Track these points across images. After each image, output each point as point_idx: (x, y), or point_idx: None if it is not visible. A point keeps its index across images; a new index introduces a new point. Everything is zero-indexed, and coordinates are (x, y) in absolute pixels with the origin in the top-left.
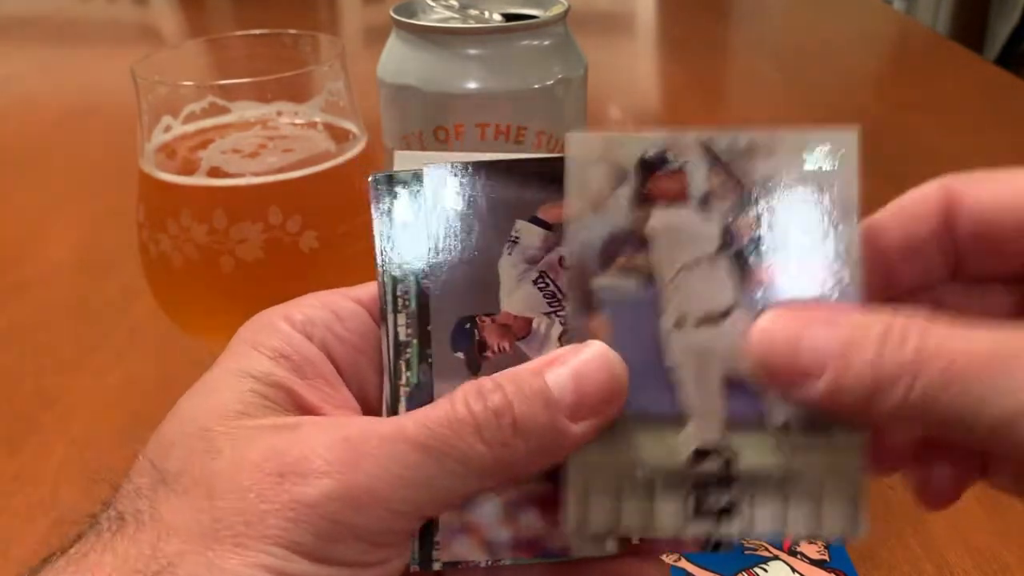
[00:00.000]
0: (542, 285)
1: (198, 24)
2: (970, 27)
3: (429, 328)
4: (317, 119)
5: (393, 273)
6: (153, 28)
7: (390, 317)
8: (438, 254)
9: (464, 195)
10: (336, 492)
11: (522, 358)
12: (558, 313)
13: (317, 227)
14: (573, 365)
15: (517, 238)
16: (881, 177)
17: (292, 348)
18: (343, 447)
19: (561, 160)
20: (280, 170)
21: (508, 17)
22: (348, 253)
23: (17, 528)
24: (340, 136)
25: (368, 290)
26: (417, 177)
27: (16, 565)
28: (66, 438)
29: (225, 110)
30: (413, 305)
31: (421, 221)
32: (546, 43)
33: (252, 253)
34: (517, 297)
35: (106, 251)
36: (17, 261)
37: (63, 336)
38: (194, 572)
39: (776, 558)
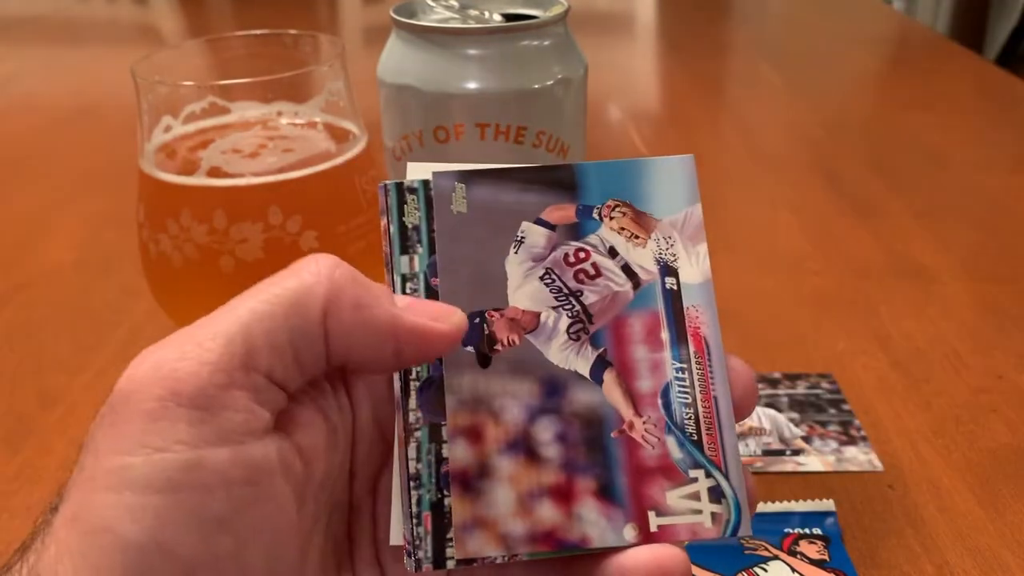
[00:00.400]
0: (548, 281)
1: (198, 24)
2: (970, 27)
3: None
4: (317, 119)
5: (402, 271)
6: (153, 28)
7: None
8: (446, 254)
9: (470, 199)
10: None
11: (531, 351)
12: (564, 307)
13: (317, 227)
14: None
15: (523, 238)
16: (881, 177)
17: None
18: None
19: (562, 168)
20: (280, 170)
21: (508, 17)
22: (348, 253)
23: (17, 528)
24: (340, 136)
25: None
26: (426, 184)
27: None
28: (66, 438)
29: (225, 110)
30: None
31: (429, 224)
32: (546, 43)
33: (252, 253)
34: (524, 292)
35: (106, 251)
36: (17, 261)
37: (63, 336)
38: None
39: (776, 558)
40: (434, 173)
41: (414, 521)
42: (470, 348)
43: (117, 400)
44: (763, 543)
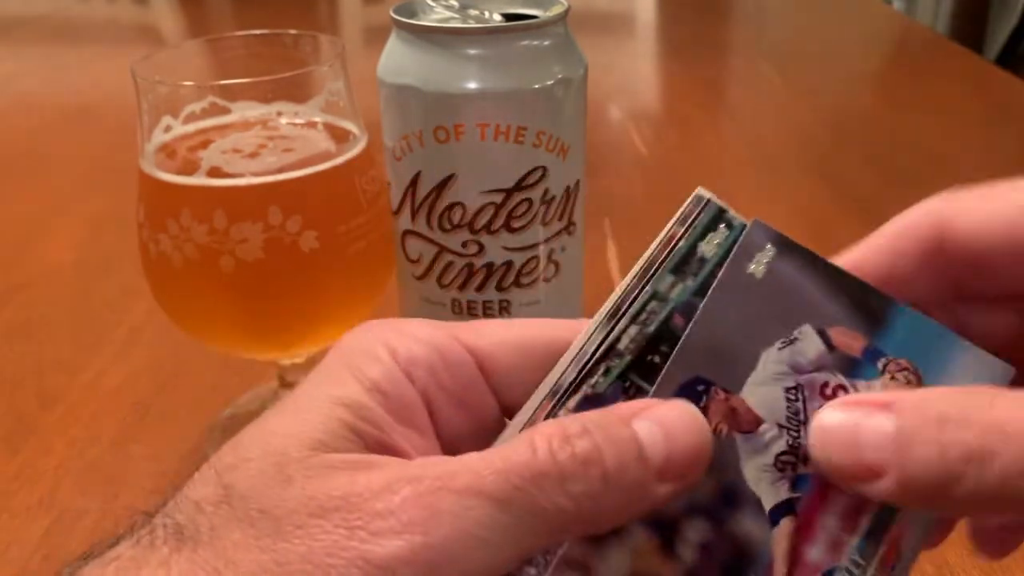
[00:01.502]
0: (791, 397)
1: (198, 24)
2: (970, 27)
3: (653, 359)
4: (317, 119)
5: (659, 288)
6: (153, 28)
7: (623, 321)
8: (714, 305)
9: (771, 268)
10: (408, 554)
11: (730, 451)
12: (791, 431)
13: (317, 227)
14: (664, 420)
15: (796, 339)
16: (881, 177)
17: (391, 386)
18: (417, 504)
19: (880, 298)
20: (280, 170)
21: (508, 17)
22: (348, 253)
23: (17, 528)
24: (340, 136)
25: (478, 334)
26: (741, 225)
27: (16, 565)
28: (66, 438)
29: (225, 110)
30: (652, 328)
31: (717, 265)
32: (546, 43)
33: (252, 253)
34: (761, 392)
35: (106, 251)
36: (17, 261)
37: (63, 336)
38: None
39: None
40: (755, 222)
41: None
42: None
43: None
44: None
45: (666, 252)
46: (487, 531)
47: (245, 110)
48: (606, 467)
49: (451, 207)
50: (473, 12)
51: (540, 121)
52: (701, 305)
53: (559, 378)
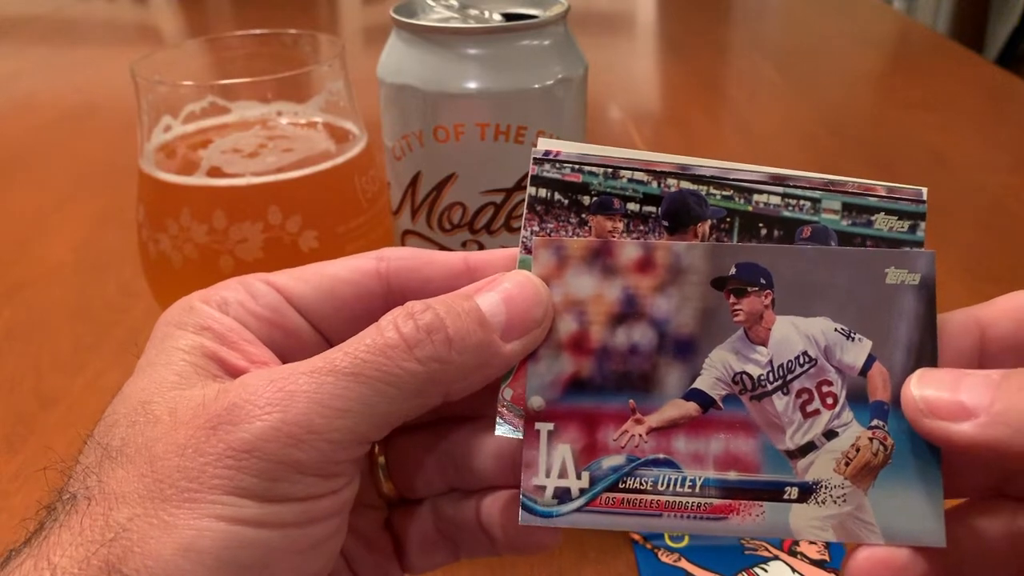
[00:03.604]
0: (801, 361)
1: (198, 24)
2: (970, 27)
3: (759, 226)
4: (317, 119)
5: (824, 198)
6: (153, 28)
7: (777, 187)
8: (840, 256)
9: (899, 287)
10: (270, 432)
11: (721, 330)
12: (772, 373)
13: (317, 227)
14: (502, 289)
15: (851, 339)
16: (881, 177)
17: (213, 321)
18: (271, 388)
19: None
20: (280, 170)
21: (508, 17)
22: (348, 252)
23: (17, 528)
24: (340, 136)
25: (278, 274)
26: (919, 239)
27: None
28: (66, 438)
29: (225, 110)
30: (785, 214)
31: (871, 235)
32: (546, 43)
33: (252, 253)
34: (788, 334)
35: (106, 251)
36: (17, 261)
37: (63, 336)
38: (147, 533)
39: (776, 558)
40: (931, 254)
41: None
42: None
43: (217, 411)
44: (763, 543)
45: (856, 190)
46: (342, 401)
47: (245, 110)
48: (448, 332)
49: (451, 207)
50: (473, 12)
51: (540, 121)
52: (833, 246)
53: (697, 164)
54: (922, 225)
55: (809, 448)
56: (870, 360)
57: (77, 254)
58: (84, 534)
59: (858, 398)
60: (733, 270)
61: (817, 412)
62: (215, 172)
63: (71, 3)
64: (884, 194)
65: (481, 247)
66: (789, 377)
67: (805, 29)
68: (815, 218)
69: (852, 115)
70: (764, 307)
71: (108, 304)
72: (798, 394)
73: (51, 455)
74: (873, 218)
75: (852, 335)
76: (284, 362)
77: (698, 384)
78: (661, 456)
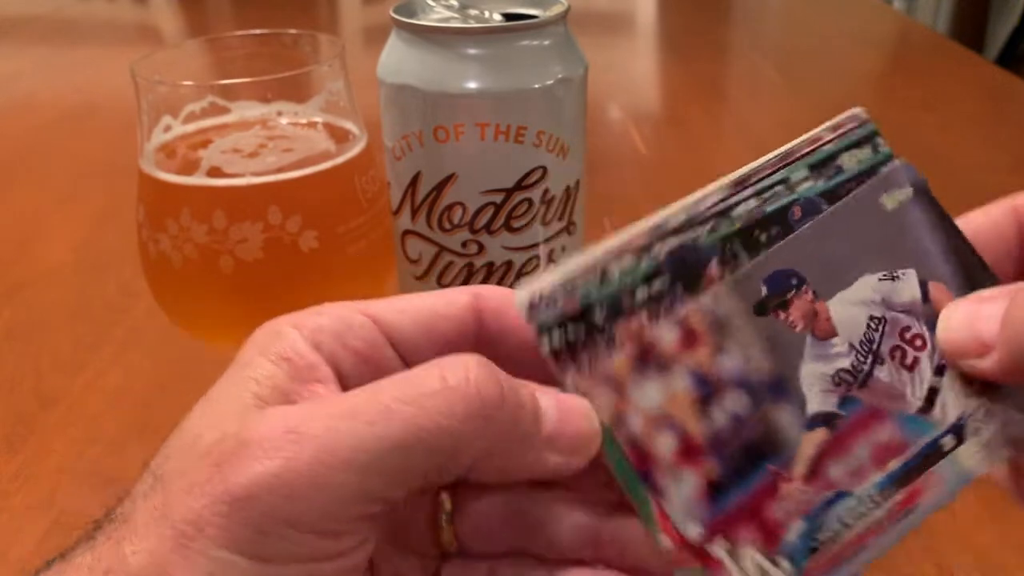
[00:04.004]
0: (872, 326)
1: (198, 24)
2: (970, 27)
3: (760, 236)
4: (317, 119)
5: (790, 175)
6: (153, 28)
7: (746, 191)
8: (836, 215)
9: (903, 206)
10: (267, 479)
11: (796, 349)
12: (859, 355)
13: (317, 227)
14: (561, 402)
15: (897, 278)
16: None
17: (295, 353)
18: (283, 429)
19: (989, 276)
20: (280, 170)
21: (508, 17)
22: (348, 253)
23: (17, 528)
24: (340, 136)
25: (376, 305)
26: (887, 154)
27: (16, 565)
28: (66, 438)
29: (225, 110)
30: (770, 209)
31: (850, 177)
32: (546, 43)
33: (252, 253)
34: (848, 310)
35: (106, 251)
36: (17, 261)
37: (63, 336)
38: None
39: None
40: (905, 163)
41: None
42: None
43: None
44: None
45: (809, 148)
46: (352, 452)
47: (245, 110)
48: (503, 397)
49: (451, 207)
50: (473, 12)
51: (540, 121)
52: (825, 211)
53: (665, 219)
54: (880, 140)
55: (933, 394)
56: (924, 286)
57: (77, 254)
58: (101, 561)
59: (936, 321)
60: (764, 289)
61: (917, 360)
62: (215, 172)
63: (71, 3)
64: (832, 136)
65: (481, 247)
66: (875, 347)
67: (805, 29)
68: (795, 196)
69: None
70: (811, 303)
71: (108, 304)
72: (891, 355)
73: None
74: (839, 163)
75: (895, 275)
76: None
77: (811, 408)
78: (830, 494)
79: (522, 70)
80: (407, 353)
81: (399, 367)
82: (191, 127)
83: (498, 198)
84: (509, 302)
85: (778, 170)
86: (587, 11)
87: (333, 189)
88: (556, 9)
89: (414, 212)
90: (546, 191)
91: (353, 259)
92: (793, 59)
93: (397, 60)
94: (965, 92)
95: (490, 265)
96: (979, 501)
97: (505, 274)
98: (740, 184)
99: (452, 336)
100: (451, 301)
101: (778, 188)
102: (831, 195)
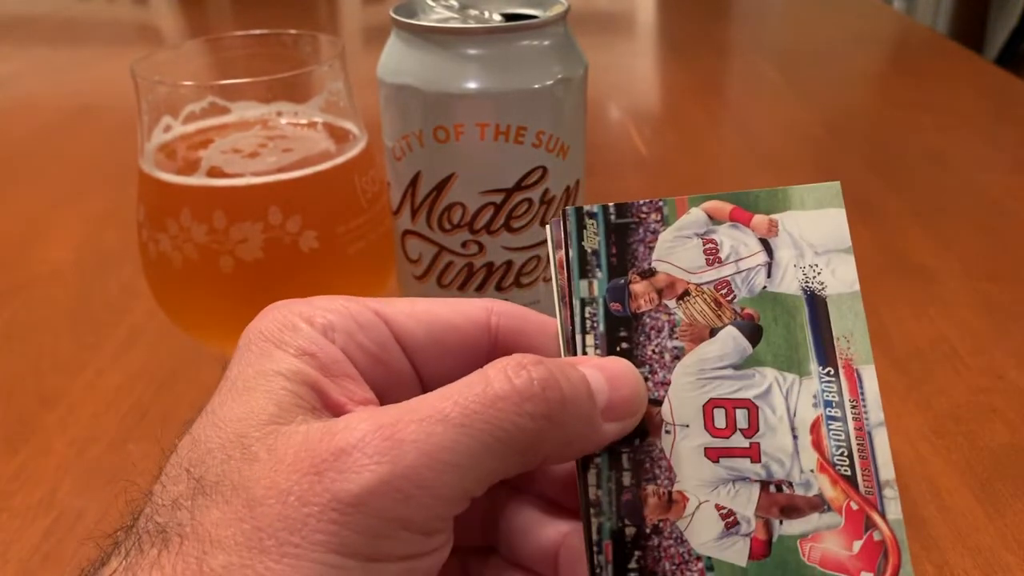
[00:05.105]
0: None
1: (198, 24)
2: (970, 27)
3: (622, 347)
4: (317, 119)
5: (582, 295)
6: (153, 28)
7: (579, 338)
8: (623, 279)
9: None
10: (379, 485)
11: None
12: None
13: (317, 227)
14: (607, 368)
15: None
16: (881, 177)
17: (317, 347)
18: (379, 436)
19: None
20: (280, 170)
21: (508, 17)
22: (348, 253)
23: (17, 528)
24: (340, 136)
25: (386, 304)
26: (605, 209)
27: (16, 565)
28: (66, 438)
29: (225, 110)
30: (601, 327)
31: (608, 249)
32: (546, 43)
33: (252, 253)
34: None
35: (106, 251)
36: (17, 261)
37: (63, 336)
38: None
39: None
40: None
41: (595, 549)
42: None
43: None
44: None
45: (564, 269)
46: (451, 454)
47: (245, 110)
48: (563, 391)
49: (451, 207)
50: (473, 12)
51: (540, 121)
52: (615, 283)
53: None
54: (584, 207)
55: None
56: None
57: (77, 254)
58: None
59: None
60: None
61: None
62: (215, 172)
63: (71, 3)
64: (564, 245)
65: (481, 247)
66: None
67: (805, 29)
68: (601, 300)
69: (852, 115)
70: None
71: (108, 304)
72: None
73: (98, 465)
74: (585, 248)
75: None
76: (382, 402)
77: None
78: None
79: (522, 70)
80: (417, 359)
81: (408, 371)
82: (191, 127)
83: (498, 198)
84: (522, 322)
85: (571, 305)
86: (587, 11)
87: (333, 189)
88: (556, 9)
89: (414, 212)
90: (546, 191)
91: (353, 259)
92: (793, 59)
93: (397, 60)
94: (965, 92)
95: (490, 265)
96: (979, 501)
97: (505, 274)
98: (569, 343)
99: (463, 350)
100: (467, 315)
101: (587, 311)
102: (613, 270)
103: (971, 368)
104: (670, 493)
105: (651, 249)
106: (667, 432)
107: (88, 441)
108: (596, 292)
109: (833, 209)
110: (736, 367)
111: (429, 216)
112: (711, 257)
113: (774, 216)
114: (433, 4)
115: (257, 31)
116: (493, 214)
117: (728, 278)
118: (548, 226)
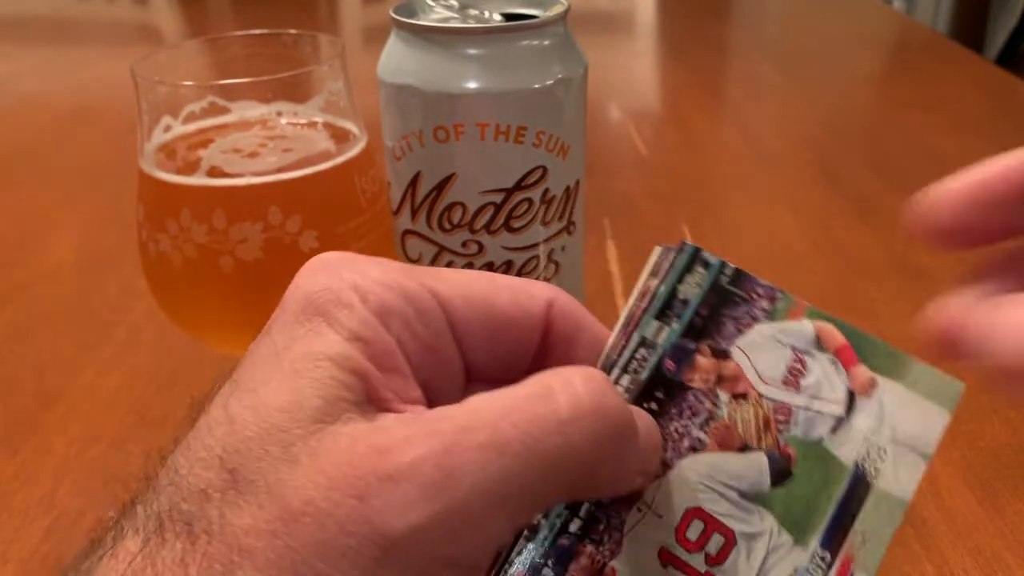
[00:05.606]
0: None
1: (198, 24)
2: (970, 27)
3: (651, 406)
4: (317, 119)
5: (645, 334)
6: (153, 28)
7: (616, 372)
8: (694, 344)
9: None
10: (428, 523)
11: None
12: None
13: (317, 227)
14: (643, 419)
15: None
16: (881, 177)
17: (371, 333)
18: (431, 464)
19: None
20: (280, 170)
21: (508, 17)
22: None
23: (17, 528)
24: (340, 136)
25: (444, 283)
26: (722, 264)
27: (16, 565)
28: (66, 438)
29: (225, 110)
30: (644, 375)
31: (698, 303)
32: (546, 43)
33: (252, 253)
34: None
35: (106, 251)
36: (17, 261)
37: (63, 336)
38: None
39: None
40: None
41: (506, 567)
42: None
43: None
44: None
45: (646, 302)
46: (506, 485)
47: (245, 110)
48: (636, 427)
49: (451, 207)
50: (473, 12)
51: (540, 121)
52: (683, 342)
53: None
54: (706, 254)
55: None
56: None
57: (77, 254)
58: None
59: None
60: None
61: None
62: (215, 172)
63: (71, 3)
64: (659, 278)
65: (481, 247)
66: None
67: (805, 30)
68: (660, 350)
69: (852, 115)
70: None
71: (108, 304)
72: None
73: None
74: (680, 297)
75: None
76: (424, 388)
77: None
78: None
79: (522, 70)
80: (466, 346)
81: (457, 360)
82: (191, 127)
83: (498, 198)
84: (577, 328)
85: (631, 337)
86: (587, 11)
87: (333, 189)
88: (556, 9)
89: (414, 212)
90: (546, 191)
91: None
92: (793, 59)
93: (397, 60)
94: (965, 92)
95: (490, 265)
96: (979, 501)
97: (505, 274)
98: (607, 369)
99: (517, 344)
100: (526, 312)
101: (641, 352)
102: (691, 329)
103: (971, 368)
104: (604, 565)
105: (740, 333)
106: (638, 511)
107: (88, 441)
108: (661, 339)
109: (940, 408)
110: (743, 494)
111: (429, 216)
112: (792, 377)
113: (878, 378)
114: (433, 4)
115: (257, 31)
116: (493, 214)
117: (793, 407)
118: (658, 248)
